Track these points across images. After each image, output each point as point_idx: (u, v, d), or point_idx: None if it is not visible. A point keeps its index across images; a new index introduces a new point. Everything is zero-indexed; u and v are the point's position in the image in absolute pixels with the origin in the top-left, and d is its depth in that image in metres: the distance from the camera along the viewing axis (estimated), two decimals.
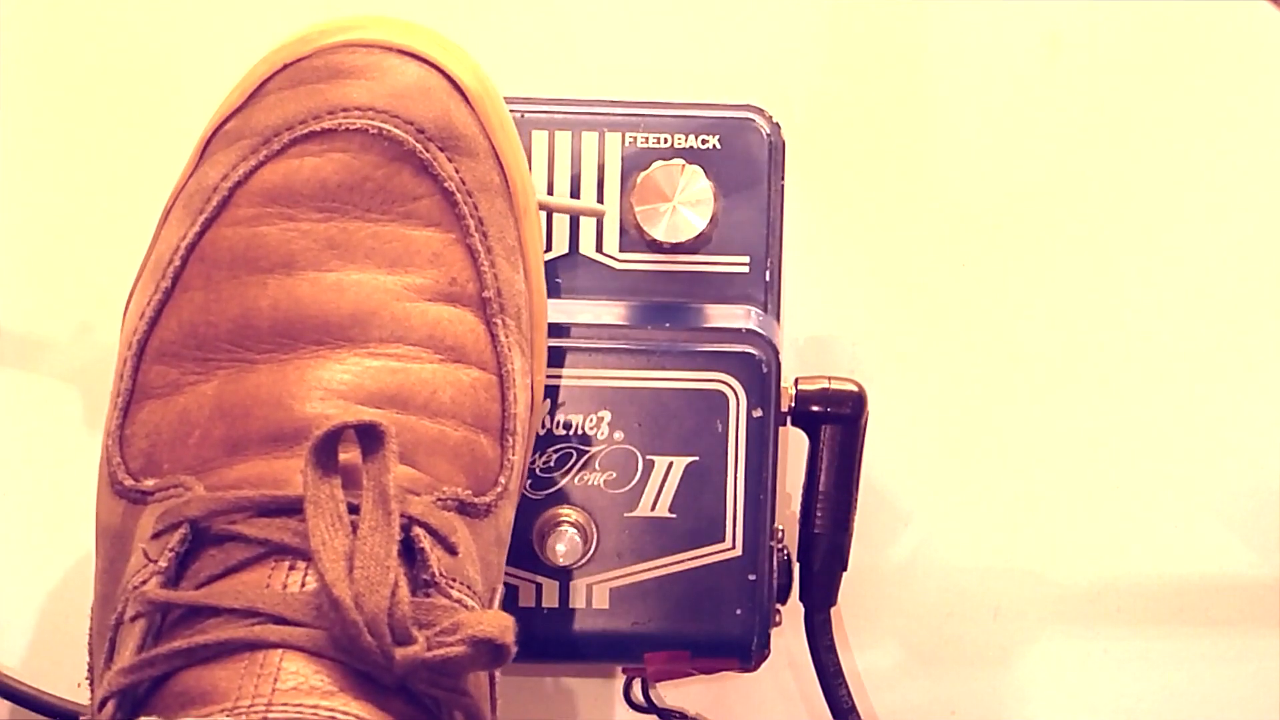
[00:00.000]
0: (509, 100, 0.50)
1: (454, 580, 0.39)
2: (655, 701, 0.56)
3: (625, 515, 0.49)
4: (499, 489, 0.42)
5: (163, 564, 0.38)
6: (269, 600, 0.36)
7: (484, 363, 0.42)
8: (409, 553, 0.38)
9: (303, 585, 0.37)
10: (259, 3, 0.57)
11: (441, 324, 0.42)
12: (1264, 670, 0.58)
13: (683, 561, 0.49)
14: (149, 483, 0.40)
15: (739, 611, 0.49)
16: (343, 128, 0.41)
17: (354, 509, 0.37)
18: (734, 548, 0.49)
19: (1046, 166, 0.58)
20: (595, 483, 0.49)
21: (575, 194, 0.50)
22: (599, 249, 0.50)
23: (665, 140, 0.50)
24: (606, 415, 0.49)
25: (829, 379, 0.51)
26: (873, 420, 0.52)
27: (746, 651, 0.50)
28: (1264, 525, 0.58)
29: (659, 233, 0.49)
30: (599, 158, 0.50)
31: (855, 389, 0.51)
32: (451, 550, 0.39)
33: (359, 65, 0.41)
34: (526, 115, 0.50)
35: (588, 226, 0.50)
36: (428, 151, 0.42)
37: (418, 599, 0.37)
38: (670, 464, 0.49)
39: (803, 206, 0.56)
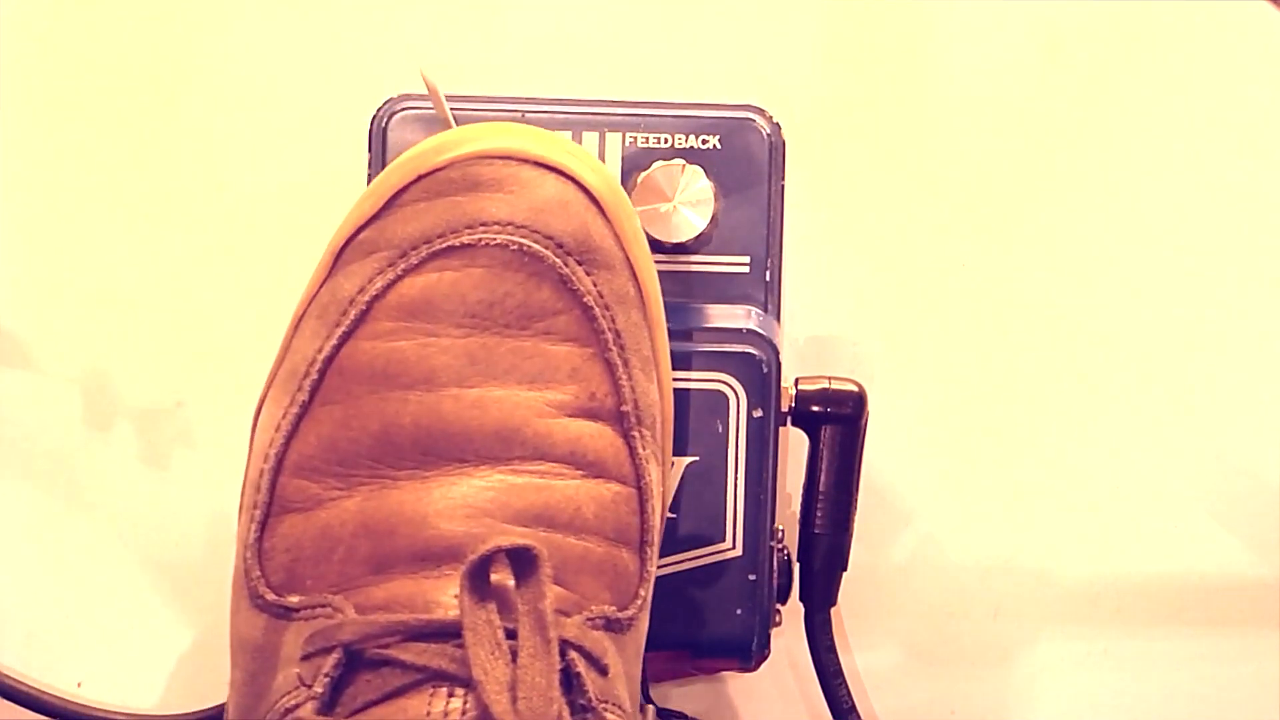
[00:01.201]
0: (509, 100, 0.50)
1: (606, 702, 0.39)
2: (655, 702, 0.56)
3: None
4: (639, 602, 0.42)
5: (318, 689, 0.38)
6: None
7: (624, 476, 0.42)
8: (565, 678, 0.38)
9: (463, 714, 0.36)
10: (259, 2, 0.57)
11: (583, 439, 0.42)
12: (1264, 670, 0.58)
13: (683, 561, 0.49)
14: (293, 599, 0.40)
15: (739, 611, 0.49)
16: (483, 243, 0.41)
17: (510, 633, 0.37)
18: (734, 548, 0.49)
19: (1047, 167, 0.58)
20: None
21: None
22: None
23: (665, 140, 0.50)
24: None
25: (829, 379, 0.51)
26: (873, 420, 0.52)
27: (746, 651, 0.50)
28: (1264, 525, 0.58)
29: (659, 233, 0.49)
30: (599, 158, 0.50)
31: (855, 389, 0.51)
32: (603, 671, 0.39)
33: (496, 177, 0.41)
34: (527, 115, 0.49)
35: None
36: (567, 266, 0.41)
37: None
38: (670, 464, 0.49)
39: (803, 206, 0.56)
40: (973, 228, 0.58)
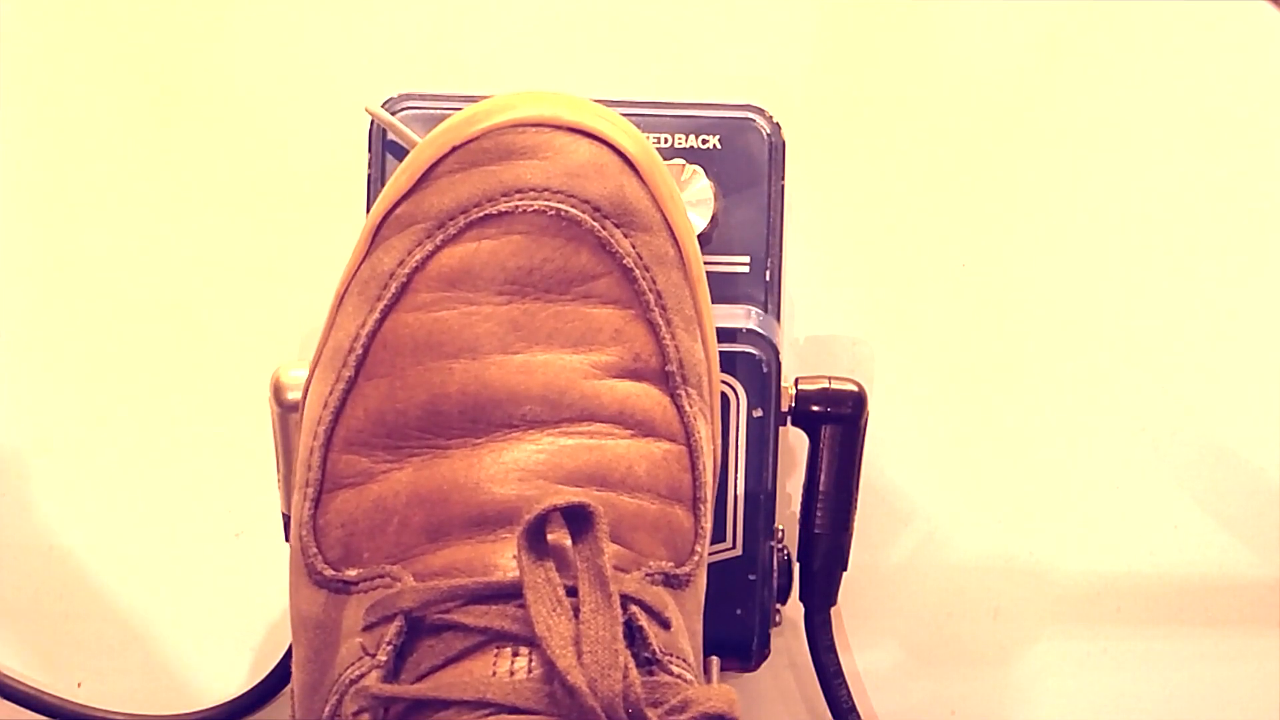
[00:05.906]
0: None
1: (671, 655, 0.39)
2: None
3: None
4: (696, 558, 0.42)
5: (382, 658, 0.38)
6: (499, 690, 0.36)
7: (673, 434, 0.43)
8: (628, 632, 0.38)
9: (529, 672, 0.37)
10: (259, 2, 0.57)
11: (630, 399, 0.42)
12: (1264, 670, 0.58)
13: None
14: (351, 573, 0.40)
15: (739, 611, 0.49)
16: (519, 210, 0.41)
17: (570, 591, 0.37)
18: (734, 548, 0.49)
19: (1047, 166, 0.58)
20: None
21: None
22: None
23: (665, 140, 0.50)
24: None
25: (829, 379, 0.51)
26: (873, 420, 0.52)
27: (746, 651, 0.50)
28: (1264, 525, 0.58)
29: None
30: None
31: (855, 389, 0.51)
32: (665, 625, 0.40)
33: (530, 145, 0.41)
34: None
35: None
36: (605, 229, 0.41)
37: (644, 678, 0.37)
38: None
39: (803, 206, 0.56)
40: (973, 228, 0.58)
